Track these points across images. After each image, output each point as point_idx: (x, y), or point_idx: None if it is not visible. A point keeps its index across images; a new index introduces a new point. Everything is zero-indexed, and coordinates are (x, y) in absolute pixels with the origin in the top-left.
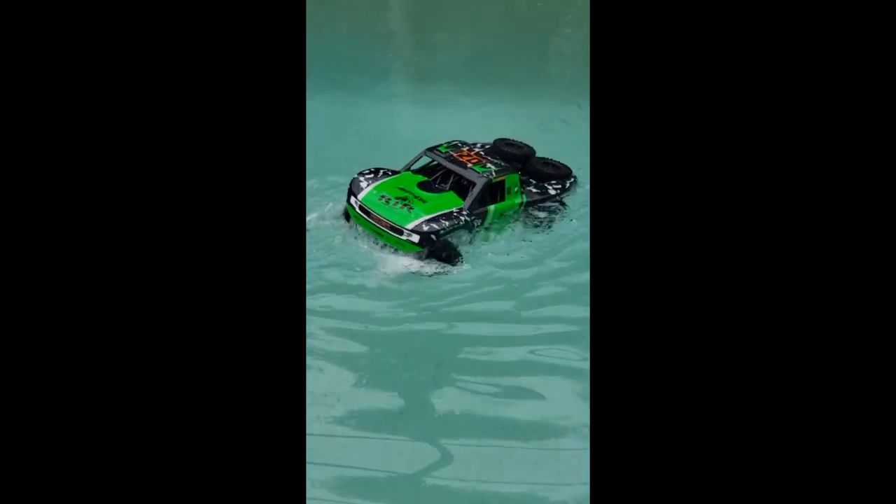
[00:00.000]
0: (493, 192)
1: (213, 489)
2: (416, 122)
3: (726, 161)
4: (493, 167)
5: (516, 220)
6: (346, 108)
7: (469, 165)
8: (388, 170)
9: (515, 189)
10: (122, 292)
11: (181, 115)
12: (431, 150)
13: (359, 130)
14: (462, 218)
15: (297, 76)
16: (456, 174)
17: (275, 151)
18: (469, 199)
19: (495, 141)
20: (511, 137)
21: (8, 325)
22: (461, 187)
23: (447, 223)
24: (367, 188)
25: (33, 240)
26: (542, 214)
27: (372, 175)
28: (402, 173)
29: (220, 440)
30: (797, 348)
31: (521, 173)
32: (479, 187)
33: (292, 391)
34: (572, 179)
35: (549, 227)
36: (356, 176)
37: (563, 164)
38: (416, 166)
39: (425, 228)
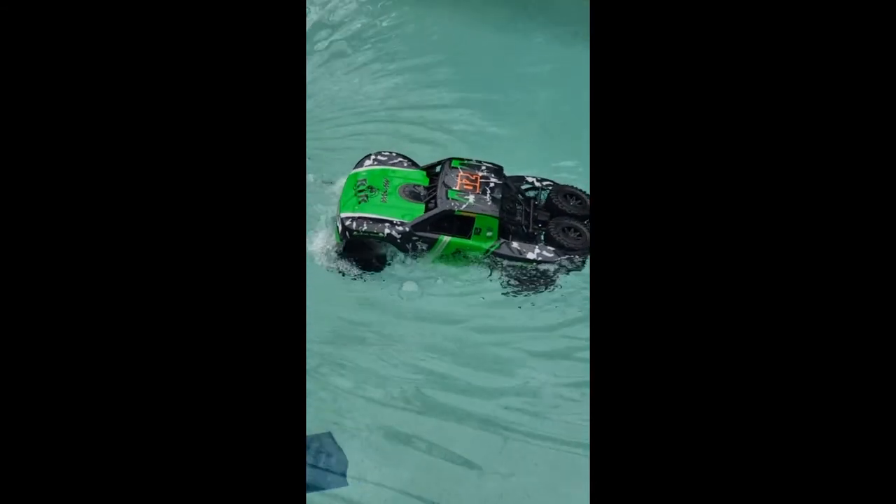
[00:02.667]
0: (462, 225)
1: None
2: None
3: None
4: (471, 199)
5: (485, 265)
6: None
7: (453, 188)
8: (408, 160)
9: (489, 233)
10: (118, 277)
11: (181, 113)
12: (449, 159)
13: None
14: (388, 231)
15: (297, 73)
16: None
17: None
18: (418, 219)
19: (557, 185)
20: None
21: (9, 325)
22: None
23: (366, 227)
24: (363, 167)
25: (29, 238)
26: (517, 279)
27: (385, 158)
28: (415, 170)
29: (216, 438)
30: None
31: (544, 226)
32: (434, 212)
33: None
34: (570, 256)
35: (519, 292)
36: (371, 153)
37: (583, 237)
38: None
39: (347, 223)
